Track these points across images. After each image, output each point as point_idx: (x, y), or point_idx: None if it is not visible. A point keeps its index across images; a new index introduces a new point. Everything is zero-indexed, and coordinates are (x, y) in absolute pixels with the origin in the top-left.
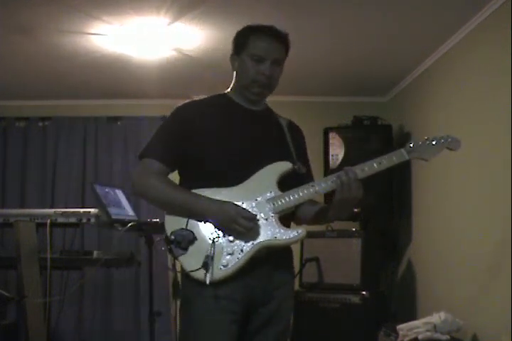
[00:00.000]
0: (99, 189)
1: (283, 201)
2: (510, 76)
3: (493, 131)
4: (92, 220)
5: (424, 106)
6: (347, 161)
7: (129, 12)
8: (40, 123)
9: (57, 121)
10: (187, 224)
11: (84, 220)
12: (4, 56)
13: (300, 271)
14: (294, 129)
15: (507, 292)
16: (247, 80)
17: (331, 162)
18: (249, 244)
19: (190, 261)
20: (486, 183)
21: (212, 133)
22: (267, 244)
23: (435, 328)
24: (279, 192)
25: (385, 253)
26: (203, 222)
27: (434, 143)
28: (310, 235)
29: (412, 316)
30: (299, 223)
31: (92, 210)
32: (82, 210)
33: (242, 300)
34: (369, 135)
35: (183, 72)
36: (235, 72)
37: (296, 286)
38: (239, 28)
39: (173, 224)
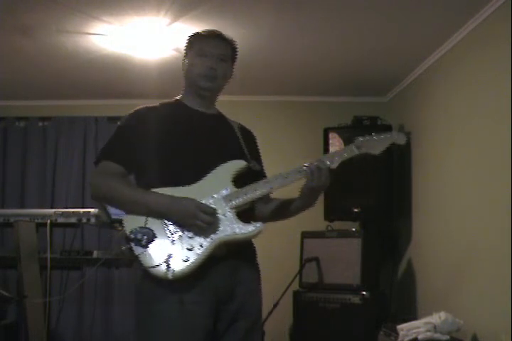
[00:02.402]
0: None
1: (239, 197)
2: (510, 76)
3: (493, 130)
4: (92, 220)
5: (424, 106)
6: (347, 161)
7: (129, 12)
8: (40, 123)
9: (57, 121)
10: (146, 222)
11: (84, 220)
12: (4, 56)
13: (300, 271)
14: (246, 131)
15: (507, 292)
16: (195, 75)
17: None
18: (209, 239)
19: (151, 258)
20: (486, 183)
21: (168, 134)
22: (226, 239)
23: (435, 328)
24: (235, 189)
25: (385, 253)
26: (161, 219)
27: (381, 137)
28: (310, 235)
29: (412, 316)
30: (259, 221)
31: (92, 210)
32: (82, 210)
33: (207, 302)
34: None
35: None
36: (184, 74)
37: (296, 286)
38: (239, 28)
39: (132, 222)
